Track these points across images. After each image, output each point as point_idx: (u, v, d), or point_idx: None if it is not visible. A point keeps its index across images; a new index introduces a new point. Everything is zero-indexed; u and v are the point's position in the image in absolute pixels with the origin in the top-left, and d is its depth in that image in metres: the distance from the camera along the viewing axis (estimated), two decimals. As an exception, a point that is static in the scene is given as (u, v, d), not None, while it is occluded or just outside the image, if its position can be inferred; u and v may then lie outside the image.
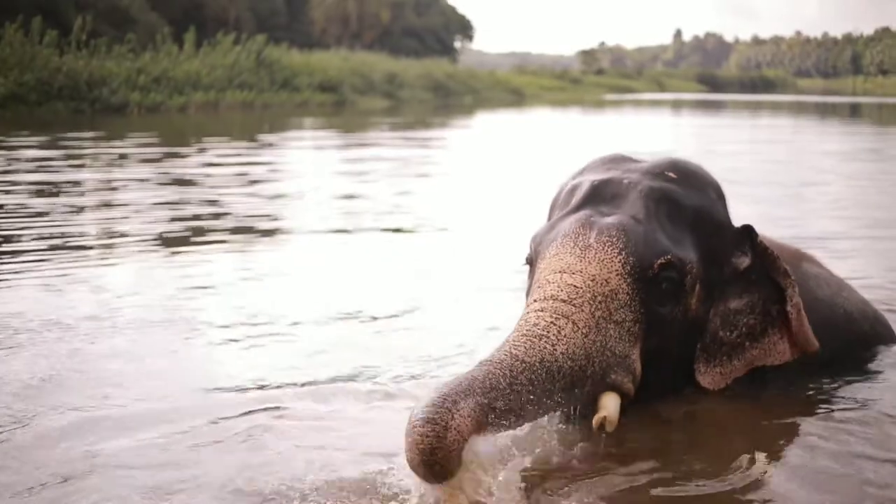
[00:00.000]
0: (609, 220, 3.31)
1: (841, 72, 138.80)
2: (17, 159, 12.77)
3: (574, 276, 3.19)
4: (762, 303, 3.54)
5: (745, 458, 3.13)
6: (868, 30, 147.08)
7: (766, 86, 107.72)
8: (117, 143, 16.68)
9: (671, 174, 3.49)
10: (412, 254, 7.03)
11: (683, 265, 3.30)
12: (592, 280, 3.18)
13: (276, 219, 8.58)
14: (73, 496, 2.88)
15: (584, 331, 3.08)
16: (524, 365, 2.93)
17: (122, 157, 14.04)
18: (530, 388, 2.91)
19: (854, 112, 42.60)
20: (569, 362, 3.02)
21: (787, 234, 6.57)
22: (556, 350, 3.01)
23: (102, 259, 6.56)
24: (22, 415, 3.53)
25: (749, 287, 3.53)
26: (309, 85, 34.97)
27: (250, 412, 3.56)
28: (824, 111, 42.35)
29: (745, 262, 3.52)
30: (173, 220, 8.13)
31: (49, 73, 24.51)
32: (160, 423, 3.45)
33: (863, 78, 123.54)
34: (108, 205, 9.25)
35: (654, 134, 24.08)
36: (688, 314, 3.37)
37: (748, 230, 3.56)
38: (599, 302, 3.15)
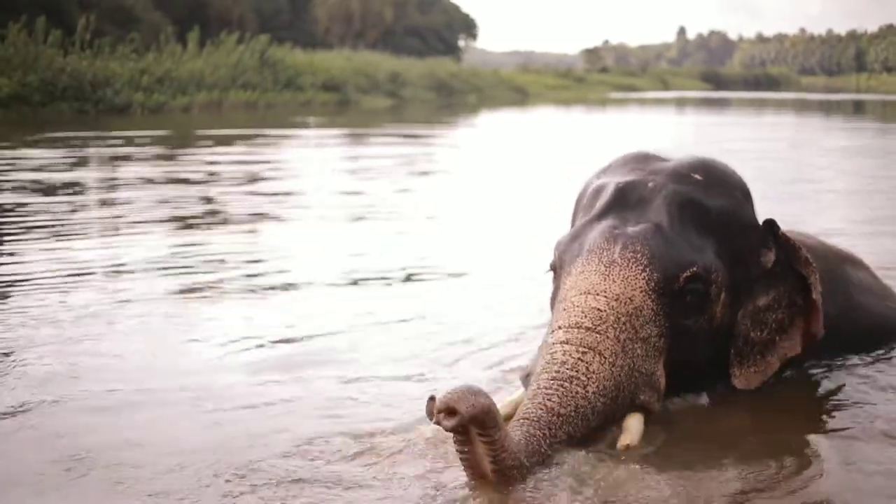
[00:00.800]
0: (633, 231, 3.27)
1: (845, 69, 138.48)
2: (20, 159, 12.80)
3: (598, 298, 3.17)
4: (787, 294, 3.51)
5: (769, 459, 3.09)
6: (872, 27, 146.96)
7: (770, 83, 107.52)
8: (118, 141, 16.70)
9: (696, 176, 3.44)
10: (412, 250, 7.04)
11: (709, 275, 3.27)
12: (616, 300, 3.16)
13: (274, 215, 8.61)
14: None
15: (610, 360, 3.08)
16: (561, 419, 2.96)
17: (127, 157, 14.07)
18: (567, 439, 2.96)
19: (858, 109, 42.52)
20: (601, 399, 3.04)
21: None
22: (587, 391, 3.02)
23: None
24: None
25: (774, 281, 3.49)
26: (312, 84, 34.96)
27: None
28: (828, 108, 42.27)
29: (770, 258, 3.48)
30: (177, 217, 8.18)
31: (53, 74, 24.49)
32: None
33: (867, 75, 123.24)
34: (109, 203, 9.29)
35: (659, 132, 24.04)
36: (713, 322, 3.34)
37: (771, 225, 3.51)
38: (624, 323, 3.14)
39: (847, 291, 3.89)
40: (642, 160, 3.62)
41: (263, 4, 50.96)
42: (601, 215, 3.40)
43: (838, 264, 4.01)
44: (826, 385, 3.77)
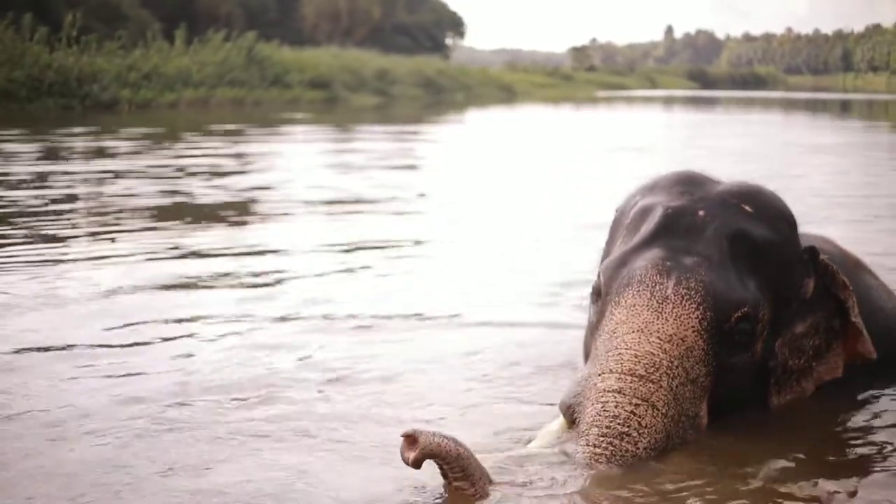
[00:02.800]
0: (687, 264, 3.20)
1: (832, 69, 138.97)
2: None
3: (651, 339, 3.10)
4: (825, 319, 3.46)
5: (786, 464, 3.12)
6: (859, 27, 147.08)
7: (757, 82, 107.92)
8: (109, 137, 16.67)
9: (747, 207, 3.37)
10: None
11: (757, 313, 3.22)
12: (669, 342, 3.09)
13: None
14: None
15: (663, 411, 3.03)
16: (615, 482, 2.89)
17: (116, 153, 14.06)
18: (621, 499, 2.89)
19: (845, 108, 42.68)
20: (651, 453, 2.99)
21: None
22: (638, 447, 2.97)
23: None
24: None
25: (813, 307, 3.44)
26: (300, 82, 34.93)
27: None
28: (815, 108, 42.41)
29: (810, 287, 3.42)
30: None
31: (39, 70, 24.43)
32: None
33: (853, 75, 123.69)
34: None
35: (646, 130, 24.11)
36: (754, 358, 3.29)
37: (812, 252, 3.45)
38: (676, 367, 3.08)
39: (869, 296, 3.84)
40: (689, 182, 3.53)
41: (251, 2, 50.85)
42: (649, 242, 3.32)
43: (859, 272, 3.97)
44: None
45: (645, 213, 3.42)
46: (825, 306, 3.46)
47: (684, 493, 2.90)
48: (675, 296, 3.14)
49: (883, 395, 3.75)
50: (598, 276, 3.37)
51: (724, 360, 3.17)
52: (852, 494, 2.95)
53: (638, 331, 3.12)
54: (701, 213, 3.34)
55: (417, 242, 7.31)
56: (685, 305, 3.13)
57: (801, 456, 3.20)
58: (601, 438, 2.97)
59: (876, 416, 3.58)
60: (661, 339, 3.10)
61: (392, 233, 7.57)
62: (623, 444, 2.96)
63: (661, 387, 3.04)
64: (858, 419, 3.56)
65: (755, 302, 3.23)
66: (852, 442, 3.38)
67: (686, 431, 3.10)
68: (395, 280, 5.92)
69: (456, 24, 71.16)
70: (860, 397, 3.71)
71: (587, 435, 2.99)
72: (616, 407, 3.01)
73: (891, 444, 3.33)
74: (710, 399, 3.19)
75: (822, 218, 7.67)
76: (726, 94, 65.97)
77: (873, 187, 11.33)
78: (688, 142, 19.62)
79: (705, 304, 3.13)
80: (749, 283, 3.26)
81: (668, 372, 3.06)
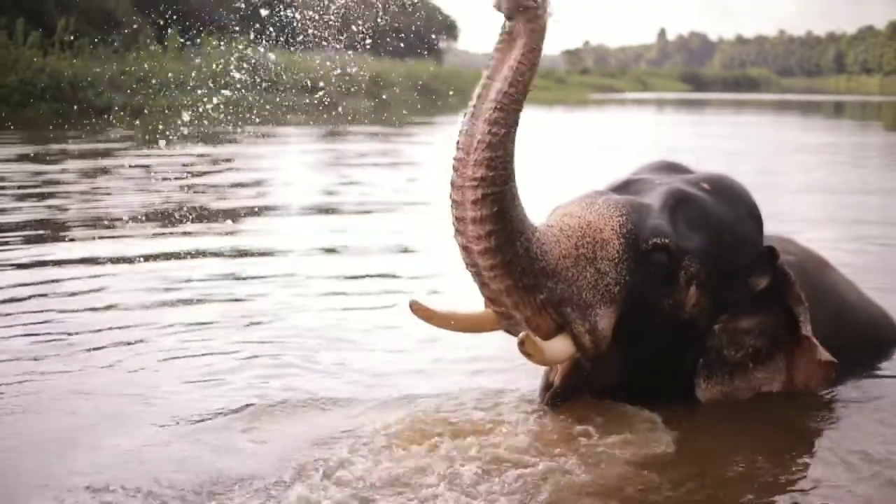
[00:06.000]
0: (622, 196, 3.41)
1: (824, 70, 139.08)
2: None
3: (573, 217, 3.27)
4: (772, 326, 3.51)
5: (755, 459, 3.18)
6: (851, 28, 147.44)
7: (750, 85, 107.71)
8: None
9: (705, 185, 3.51)
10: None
11: (680, 256, 3.31)
12: (588, 224, 3.25)
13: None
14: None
15: (562, 251, 3.17)
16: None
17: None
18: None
19: (838, 110, 42.71)
20: (538, 252, 3.12)
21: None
22: (532, 237, 3.12)
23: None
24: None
25: (763, 308, 3.50)
26: (293, 86, 34.87)
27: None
28: (808, 110, 42.42)
29: (762, 283, 3.49)
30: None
31: (32, 74, 24.42)
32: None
33: (846, 77, 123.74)
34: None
35: (638, 131, 24.13)
36: (678, 311, 3.34)
37: (771, 251, 3.52)
38: (587, 242, 3.21)
39: (836, 294, 3.94)
40: (664, 168, 3.72)
41: (244, 6, 50.74)
42: (599, 193, 3.49)
43: (824, 269, 4.06)
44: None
45: (609, 184, 3.62)
46: (776, 312, 3.51)
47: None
48: (602, 203, 3.33)
49: (844, 388, 3.81)
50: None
51: (637, 285, 3.26)
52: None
53: (563, 214, 3.32)
54: (658, 182, 3.51)
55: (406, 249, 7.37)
56: (609, 208, 3.29)
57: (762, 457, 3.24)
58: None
59: (838, 409, 3.64)
60: (580, 220, 3.27)
61: (385, 238, 7.64)
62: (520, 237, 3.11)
63: (568, 239, 3.23)
64: (821, 415, 3.60)
65: (681, 245, 3.33)
66: (803, 443, 3.42)
67: (573, 304, 3.16)
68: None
69: (450, 28, 71.08)
70: (824, 393, 3.74)
71: None
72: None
73: (845, 436, 3.39)
74: (629, 332, 3.25)
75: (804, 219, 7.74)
76: (719, 97, 65.84)
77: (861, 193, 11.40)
78: (676, 143, 19.66)
79: (627, 216, 3.28)
80: (685, 233, 3.36)
81: (579, 238, 3.23)
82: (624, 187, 3.53)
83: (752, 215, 3.56)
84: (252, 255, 6.96)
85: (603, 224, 3.25)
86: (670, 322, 3.35)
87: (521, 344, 3.04)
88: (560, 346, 3.14)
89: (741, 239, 3.47)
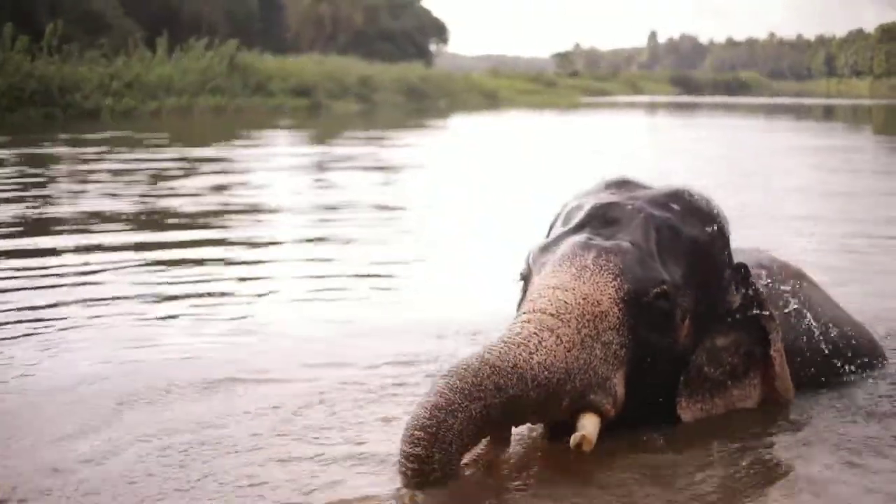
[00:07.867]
0: (608, 243, 3.31)
1: (815, 74, 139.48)
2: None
3: (567, 292, 3.19)
4: (747, 343, 3.54)
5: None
6: (840, 31, 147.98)
7: (741, 87, 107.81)
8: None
9: (674, 206, 3.48)
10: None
11: (676, 296, 3.30)
12: (584, 299, 3.18)
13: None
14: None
15: (567, 346, 3.09)
16: (493, 369, 2.95)
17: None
18: (495, 391, 2.93)
19: (828, 114, 42.86)
20: (545, 372, 3.02)
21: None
22: (532, 359, 3.02)
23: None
24: None
25: (737, 326, 3.52)
26: (282, 89, 34.84)
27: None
28: (799, 113, 42.56)
29: (735, 300, 3.51)
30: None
31: (21, 79, 24.36)
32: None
33: (836, 80, 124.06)
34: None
35: (627, 136, 24.16)
36: (675, 347, 3.35)
37: (745, 270, 3.54)
38: (588, 320, 3.16)
39: (811, 305, 3.94)
40: (623, 186, 3.65)
41: (234, 9, 50.73)
42: (576, 229, 3.43)
43: (800, 281, 4.06)
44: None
45: (575, 209, 3.55)
46: (749, 329, 3.53)
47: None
48: (594, 265, 3.25)
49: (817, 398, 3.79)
50: (526, 261, 3.49)
51: (641, 337, 3.24)
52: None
53: (555, 287, 3.23)
54: (629, 207, 3.44)
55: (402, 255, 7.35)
56: (603, 274, 3.23)
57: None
58: (499, 343, 3.07)
59: (810, 422, 3.61)
60: (576, 295, 3.19)
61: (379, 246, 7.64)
62: (518, 350, 3.04)
63: (568, 325, 3.13)
64: (792, 427, 3.57)
65: (674, 283, 3.31)
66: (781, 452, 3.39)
67: (593, 387, 3.13)
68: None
69: (439, 31, 71.16)
70: (803, 403, 3.73)
71: (485, 345, 3.10)
72: (521, 328, 3.12)
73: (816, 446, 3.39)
74: (630, 381, 3.23)
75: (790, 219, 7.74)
76: (710, 100, 66.04)
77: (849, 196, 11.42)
78: (672, 147, 19.69)
79: (623, 277, 3.23)
80: (671, 268, 3.33)
81: (579, 319, 3.15)
82: (597, 217, 3.43)
83: (721, 230, 3.55)
84: (233, 252, 7.02)
85: (599, 294, 3.20)
86: (668, 358, 3.36)
87: (579, 446, 3.06)
88: (593, 425, 3.12)
89: (715, 259, 3.49)
